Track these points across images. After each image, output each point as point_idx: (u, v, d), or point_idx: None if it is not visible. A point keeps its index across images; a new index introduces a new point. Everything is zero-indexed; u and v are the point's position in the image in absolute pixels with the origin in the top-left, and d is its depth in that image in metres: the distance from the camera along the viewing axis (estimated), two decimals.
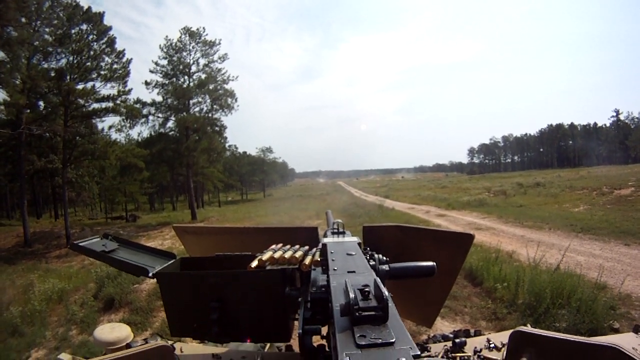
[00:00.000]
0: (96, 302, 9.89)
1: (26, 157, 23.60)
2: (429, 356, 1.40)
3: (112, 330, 1.79)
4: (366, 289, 0.76)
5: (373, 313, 0.68)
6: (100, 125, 29.02)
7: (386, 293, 0.71)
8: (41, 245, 21.99)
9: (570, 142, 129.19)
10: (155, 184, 40.41)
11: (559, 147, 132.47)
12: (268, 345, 2.21)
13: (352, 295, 0.72)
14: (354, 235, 1.53)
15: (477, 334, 1.96)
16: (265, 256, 1.36)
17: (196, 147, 30.99)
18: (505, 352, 1.10)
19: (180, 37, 32.41)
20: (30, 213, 28.88)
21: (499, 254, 10.02)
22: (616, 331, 5.56)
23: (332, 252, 1.21)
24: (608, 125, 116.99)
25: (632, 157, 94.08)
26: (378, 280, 0.78)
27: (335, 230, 1.57)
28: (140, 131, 33.42)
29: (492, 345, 1.67)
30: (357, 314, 0.68)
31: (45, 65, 23.53)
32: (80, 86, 24.43)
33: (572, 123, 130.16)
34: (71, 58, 24.26)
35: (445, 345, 1.71)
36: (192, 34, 32.41)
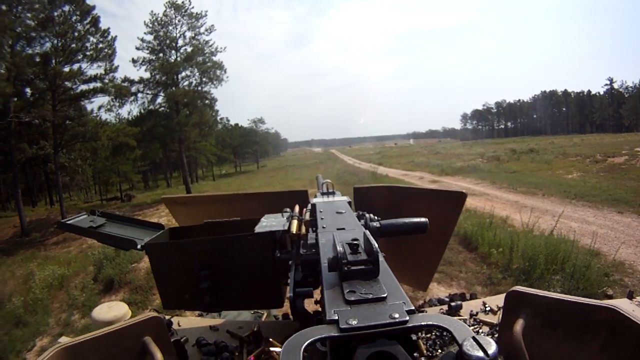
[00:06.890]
0: (96, 284, 9.98)
1: (17, 145, 23.27)
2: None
3: (110, 309, 1.78)
4: (355, 242, 0.73)
5: (363, 267, 0.66)
6: (89, 107, 28.65)
7: (376, 246, 0.69)
8: (38, 233, 21.87)
9: (564, 109, 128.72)
10: (148, 161, 40.09)
11: (553, 113, 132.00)
12: (265, 314, 2.22)
13: (340, 249, 0.69)
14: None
15: (473, 297, 1.98)
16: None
17: (187, 121, 30.59)
18: (501, 313, 1.10)
19: (165, 10, 31.59)
20: (25, 202, 28.59)
21: (493, 220, 10.10)
22: (610, 298, 5.61)
23: (321, 211, 1.19)
24: (602, 93, 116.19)
25: (625, 125, 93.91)
26: (367, 233, 0.75)
27: (325, 191, 1.56)
28: (130, 109, 32.90)
29: (487, 309, 1.68)
30: (345, 268, 0.66)
31: (30, 51, 22.97)
32: (66, 69, 24.00)
33: (565, 90, 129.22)
34: (55, 41, 23.64)
35: (441, 309, 1.73)
36: (178, 7, 31.62)
